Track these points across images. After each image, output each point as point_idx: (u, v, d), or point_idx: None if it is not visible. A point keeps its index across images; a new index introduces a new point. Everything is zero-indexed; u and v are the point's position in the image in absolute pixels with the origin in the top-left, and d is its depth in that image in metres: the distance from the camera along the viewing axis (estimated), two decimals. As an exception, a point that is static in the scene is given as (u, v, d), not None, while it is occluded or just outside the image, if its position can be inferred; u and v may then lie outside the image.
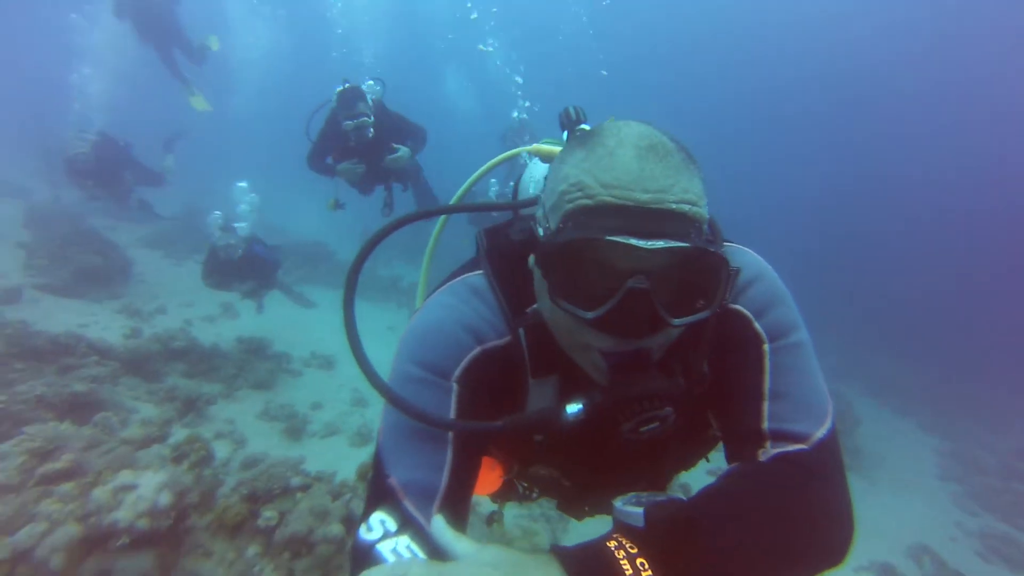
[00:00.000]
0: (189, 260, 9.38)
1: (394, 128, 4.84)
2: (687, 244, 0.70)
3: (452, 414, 0.84)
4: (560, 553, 0.66)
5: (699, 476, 1.43)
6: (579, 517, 1.43)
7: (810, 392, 0.87)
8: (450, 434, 0.83)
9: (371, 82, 4.98)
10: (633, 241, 0.68)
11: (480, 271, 0.97)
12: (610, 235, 0.68)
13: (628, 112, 0.90)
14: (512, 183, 1.46)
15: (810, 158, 27.64)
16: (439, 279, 1.06)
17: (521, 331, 0.91)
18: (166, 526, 2.24)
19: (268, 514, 2.72)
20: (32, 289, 6.58)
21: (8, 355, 4.25)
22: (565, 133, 1.10)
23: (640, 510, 0.67)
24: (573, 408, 0.82)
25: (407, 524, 0.75)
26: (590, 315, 0.74)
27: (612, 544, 0.65)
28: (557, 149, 1.15)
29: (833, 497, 0.80)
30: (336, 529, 2.62)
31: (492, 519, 1.58)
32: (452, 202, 1.43)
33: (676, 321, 0.75)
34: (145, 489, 2.22)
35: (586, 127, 1.07)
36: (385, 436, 0.85)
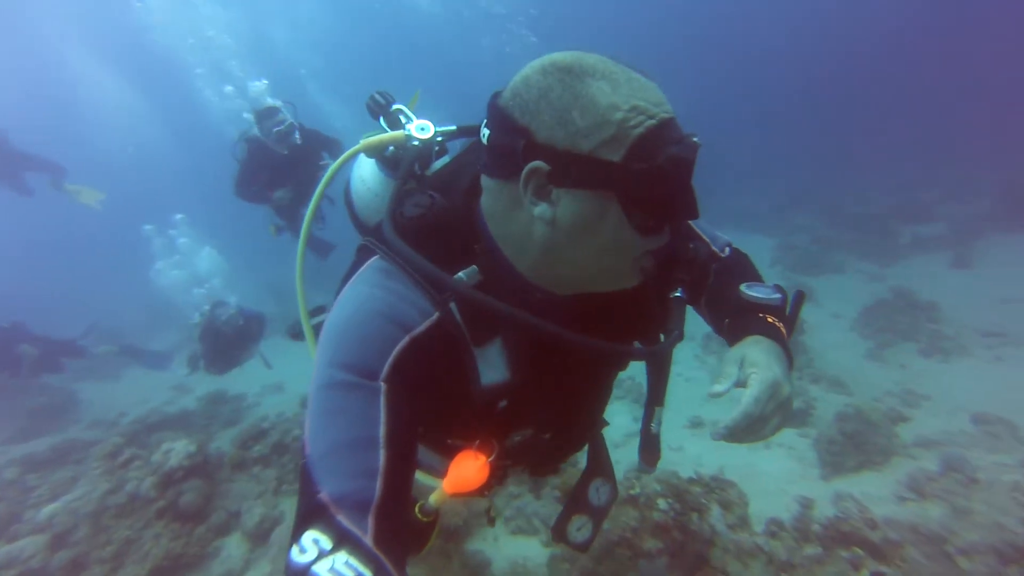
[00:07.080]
0: (120, 373, 10.54)
1: (317, 142, 5.20)
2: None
3: (382, 417, 0.82)
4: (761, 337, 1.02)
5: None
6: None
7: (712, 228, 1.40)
8: (381, 437, 0.81)
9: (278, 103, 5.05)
10: (696, 139, 0.82)
11: (376, 256, 0.99)
12: (690, 139, 0.82)
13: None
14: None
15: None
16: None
17: (453, 305, 0.93)
18: (199, 462, 4.17)
19: (256, 447, 4.63)
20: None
21: (24, 473, 5.72)
22: (381, 118, 1.11)
23: (778, 296, 1.12)
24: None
25: (343, 540, 0.72)
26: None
27: (770, 319, 1.07)
28: (387, 137, 1.16)
29: None
30: (299, 431, 4.58)
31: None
32: (311, 209, 1.48)
33: None
34: (178, 447, 4.12)
35: (401, 106, 1.13)
36: (312, 447, 0.82)
